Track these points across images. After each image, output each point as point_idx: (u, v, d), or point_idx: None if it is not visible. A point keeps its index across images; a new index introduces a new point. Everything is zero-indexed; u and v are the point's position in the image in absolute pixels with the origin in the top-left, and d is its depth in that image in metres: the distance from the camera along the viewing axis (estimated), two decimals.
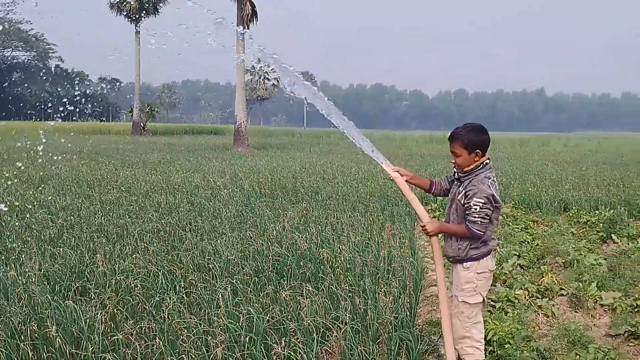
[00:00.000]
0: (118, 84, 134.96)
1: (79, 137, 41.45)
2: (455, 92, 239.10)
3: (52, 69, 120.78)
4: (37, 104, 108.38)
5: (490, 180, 3.66)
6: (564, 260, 7.22)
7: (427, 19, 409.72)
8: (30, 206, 8.68)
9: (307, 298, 4.70)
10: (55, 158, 16.97)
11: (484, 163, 3.73)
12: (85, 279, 5.22)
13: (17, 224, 7.45)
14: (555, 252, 7.58)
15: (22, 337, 3.88)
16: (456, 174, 3.85)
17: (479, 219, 3.59)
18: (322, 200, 10.57)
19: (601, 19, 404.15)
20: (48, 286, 4.99)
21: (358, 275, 5.60)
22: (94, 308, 4.33)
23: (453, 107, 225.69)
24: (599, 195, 11.81)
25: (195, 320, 4.18)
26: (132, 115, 52.81)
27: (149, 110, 54.73)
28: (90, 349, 3.66)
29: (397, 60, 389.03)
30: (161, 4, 51.70)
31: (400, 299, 5.05)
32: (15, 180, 12.24)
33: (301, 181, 13.32)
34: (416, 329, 4.67)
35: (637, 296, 5.76)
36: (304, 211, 9.25)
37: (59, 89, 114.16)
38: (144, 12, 50.49)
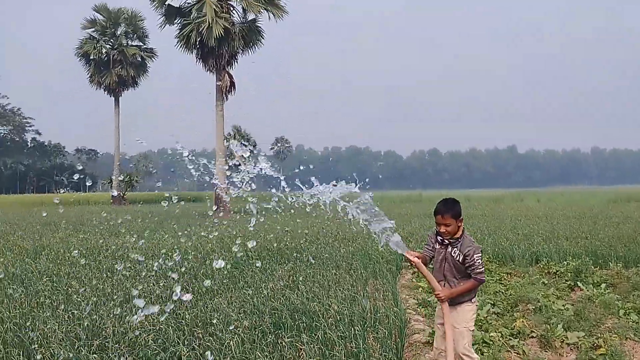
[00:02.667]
0: (95, 155, 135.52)
1: (59, 208, 41.61)
2: (429, 152, 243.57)
3: (29, 142, 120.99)
4: (14, 177, 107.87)
5: (472, 238, 4.74)
6: (534, 307, 7.89)
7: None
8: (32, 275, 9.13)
9: (304, 345, 5.28)
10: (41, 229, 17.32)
11: (463, 227, 4.75)
12: (103, 337, 5.73)
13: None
14: (526, 300, 8.23)
15: None
16: (443, 240, 4.76)
17: (482, 268, 4.63)
18: (307, 260, 11.16)
19: (567, 77, 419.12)
20: (69, 345, 5.48)
21: (348, 324, 6.19)
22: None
23: (427, 166, 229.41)
24: (567, 247, 12.60)
25: None
26: (111, 186, 53.14)
27: (128, 180, 55.13)
28: None
29: (369, 120, 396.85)
30: (140, 77, 52.96)
31: (387, 343, 5.64)
32: (8, 253, 12.65)
33: (285, 243, 13.91)
34: None
35: (599, 335, 6.43)
36: (292, 271, 9.83)
37: (37, 162, 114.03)
38: (123, 85, 51.70)
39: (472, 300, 4.75)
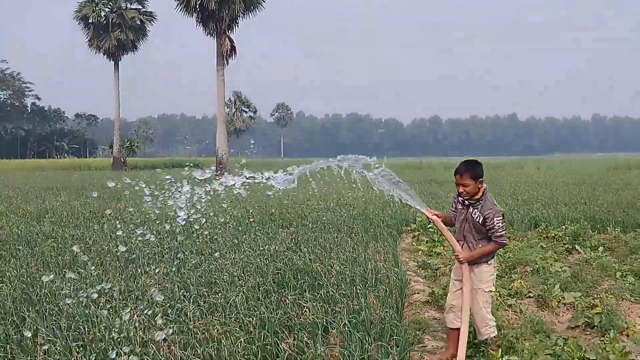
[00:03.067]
0: (95, 120, 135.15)
1: (60, 172, 41.78)
2: (430, 119, 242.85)
3: (29, 107, 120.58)
4: (14, 142, 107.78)
5: (494, 200, 4.73)
6: (532, 269, 8.02)
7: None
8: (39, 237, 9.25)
9: (307, 302, 5.41)
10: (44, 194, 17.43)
11: (485, 188, 4.74)
12: (109, 295, 5.85)
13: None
14: (524, 263, 8.36)
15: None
16: (464, 201, 4.79)
17: (503, 232, 4.63)
18: (309, 224, 11.29)
19: (570, 43, 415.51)
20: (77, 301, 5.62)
21: (349, 283, 6.32)
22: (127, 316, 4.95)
23: (428, 134, 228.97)
24: (566, 212, 12.72)
25: (214, 321, 4.85)
26: (111, 151, 53.11)
27: (129, 145, 55.11)
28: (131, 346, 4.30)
29: (370, 86, 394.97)
30: (140, 42, 52.54)
31: (388, 302, 5.77)
32: (12, 216, 12.77)
33: (287, 208, 14.03)
34: (403, 325, 5.38)
35: (595, 296, 6.56)
36: (294, 234, 9.95)
37: (37, 127, 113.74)
38: (123, 49, 51.30)
39: (490, 262, 4.76)
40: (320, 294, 5.81)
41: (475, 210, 4.69)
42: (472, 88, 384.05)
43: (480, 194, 4.70)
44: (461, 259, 4.62)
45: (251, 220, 11.82)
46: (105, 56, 51.73)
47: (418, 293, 6.94)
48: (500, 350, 4.51)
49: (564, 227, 11.02)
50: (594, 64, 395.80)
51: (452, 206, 5.01)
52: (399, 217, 12.70)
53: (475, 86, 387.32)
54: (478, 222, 4.67)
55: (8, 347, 4.44)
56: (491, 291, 4.81)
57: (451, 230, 4.90)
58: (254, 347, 4.32)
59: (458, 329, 4.78)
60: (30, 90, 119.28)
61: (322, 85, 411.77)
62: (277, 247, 8.50)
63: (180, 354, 4.07)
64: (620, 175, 28.72)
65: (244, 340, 4.39)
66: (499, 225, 4.58)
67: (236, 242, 9.18)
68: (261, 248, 8.45)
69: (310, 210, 13.85)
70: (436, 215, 4.85)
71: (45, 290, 5.93)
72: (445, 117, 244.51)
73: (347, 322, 4.86)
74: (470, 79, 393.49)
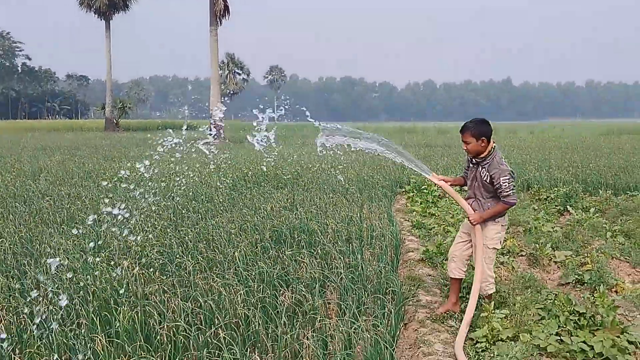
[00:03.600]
0: (86, 81, 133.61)
1: (52, 133, 41.53)
2: (424, 84, 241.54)
3: (19, 67, 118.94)
4: (5, 103, 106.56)
5: (503, 160, 4.72)
6: (524, 229, 8.15)
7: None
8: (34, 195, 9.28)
9: (305, 258, 5.51)
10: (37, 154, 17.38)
11: (493, 147, 4.73)
12: (108, 250, 5.94)
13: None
14: (517, 223, 8.48)
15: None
16: (473, 160, 4.84)
17: (510, 192, 4.61)
18: (304, 185, 11.36)
19: (566, 9, 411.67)
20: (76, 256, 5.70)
21: (345, 241, 6.43)
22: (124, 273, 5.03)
23: (422, 98, 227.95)
24: (558, 175, 12.84)
25: (214, 276, 4.94)
26: (104, 112, 52.66)
27: (121, 107, 54.64)
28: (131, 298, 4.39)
29: (365, 49, 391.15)
30: (131, 0, 51.64)
31: (383, 258, 5.88)
32: (7, 174, 12.77)
33: (282, 170, 14.08)
34: (399, 280, 5.50)
35: (586, 255, 6.69)
36: (289, 194, 10.03)
37: (28, 87, 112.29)
38: (114, 8, 50.43)
39: (497, 220, 4.78)
40: (317, 251, 5.92)
41: (483, 169, 4.74)
42: (467, 52, 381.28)
43: (486, 152, 4.73)
44: (473, 221, 4.71)
45: (246, 185, 11.87)
46: (96, 15, 50.82)
47: (412, 251, 7.05)
48: (493, 303, 4.63)
49: (556, 189, 11.15)
50: (589, 30, 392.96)
51: (465, 165, 5.09)
52: (393, 178, 12.80)
53: (469, 51, 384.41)
54: (486, 181, 4.72)
55: (11, 299, 4.52)
56: (495, 249, 4.86)
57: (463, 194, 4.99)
58: (253, 299, 4.42)
59: (459, 279, 4.98)
60: (20, 50, 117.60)
61: (316, 48, 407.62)
62: (272, 206, 8.57)
63: (181, 305, 4.16)
64: (613, 141, 28.83)
65: (244, 292, 4.48)
66: (505, 185, 4.60)
67: (232, 201, 9.26)
68: (257, 207, 8.53)
69: (305, 171, 13.91)
70: (443, 179, 4.94)
71: (45, 246, 6.00)
72: (439, 82, 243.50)
73: (344, 276, 4.96)
74: (465, 43, 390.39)
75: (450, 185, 5.01)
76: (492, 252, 4.83)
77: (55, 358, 3.36)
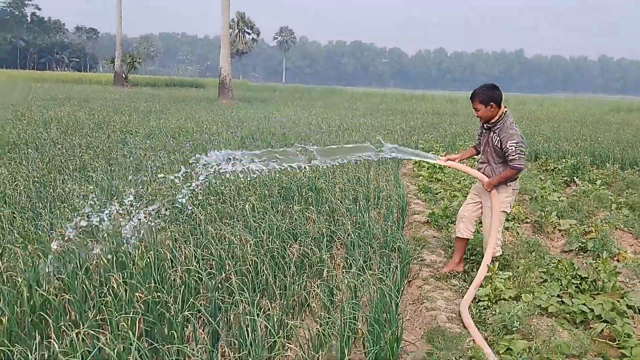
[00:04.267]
0: (95, 34, 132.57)
1: (61, 85, 41.46)
2: (435, 52, 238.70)
3: (28, 17, 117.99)
4: (14, 52, 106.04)
5: (514, 125, 4.75)
6: (530, 197, 8.22)
7: None
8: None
9: (313, 214, 5.60)
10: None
11: (504, 112, 4.77)
12: (121, 198, 6.03)
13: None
14: (523, 191, 8.54)
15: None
16: (485, 125, 4.91)
17: (517, 156, 4.64)
18: (312, 145, 11.41)
19: None
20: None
21: (353, 200, 6.51)
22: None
23: (432, 66, 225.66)
24: (567, 147, 12.86)
25: (226, 227, 5.04)
26: (113, 66, 52.34)
27: (130, 61, 54.25)
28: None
29: (376, 14, 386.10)
30: None
31: (390, 218, 5.97)
32: (18, 122, 12.85)
33: (289, 130, 14.12)
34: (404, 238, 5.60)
35: (590, 224, 6.77)
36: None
37: (37, 38, 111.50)
38: None
39: (508, 184, 4.83)
40: (325, 208, 6.01)
41: (494, 134, 4.80)
42: (479, 21, 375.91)
43: (496, 117, 4.77)
44: (487, 187, 4.79)
45: (254, 142, 11.93)
46: None
47: (418, 214, 7.14)
48: (497, 264, 4.73)
49: (563, 160, 11.18)
50: (604, 4, 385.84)
51: (478, 131, 5.16)
52: (400, 143, 12.82)
53: (482, 20, 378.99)
54: (497, 145, 4.77)
55: (26, 240, 4.62)
56: (505, 212, 4.91)
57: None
58: (262, 250, 4.52)
59: (465, 239, 5.08)
60: (29, 0, 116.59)
61: (327, 10, 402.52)
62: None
63: (193, 251, 4.26)
64: (622, 117, 28.66)
65: (253, 243, 4.58)
66: (512, 149, 4.64)
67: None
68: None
69: (312, 132, 13.95)
70: (449, 159, 5.07)
71: (59, 191, 6.10)
72: (450, 50, 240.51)
73: (351, 232, 5.06)
74: (477, 13, 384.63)
75: (460, 160, 5.13)
76: (501, 215, 4.89)
77: (70, 295, 3.46)
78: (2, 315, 2.95)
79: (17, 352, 2.71)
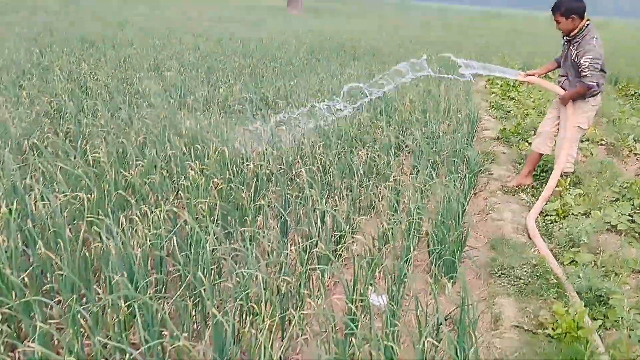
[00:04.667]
0: None
1: None
2: None
3: None
4: None
5: (594, 39, 4.45)
6: (607, 120, 7.91)
7: None
8: None
9: (382, 122, 5.60)
10: None
11: (586, 25, 4.50)
12: (192, 99, 6.19)
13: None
14: (600, 114, 8.19)
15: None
16: (565, 37, 4.67)
17: (589, 72, 4.44)
18: (381, 57, 11.22)
19: None
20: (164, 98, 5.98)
21: (422, 112, 6.44)
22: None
23: None
24: None
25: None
26: None
27: None
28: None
29: None
30: None
31: (460, 130, 5.90)
32: (91, 23, 13.12)
33: (359, 41, 13.87)
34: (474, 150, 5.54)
35: None
36: (367, 66, 9.95)
37: None
38: None
39: (586, 99, 4.64)
40: (395, 118, 5.98)
41: (573, 47, 4.58)
42: None
43: (576, 31, 4.54)
44: (562, 103, 4.67)
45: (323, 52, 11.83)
46: None
47: (488, 130, 7.02)
48: (569, 179, 4.65)
49: None
50: None
51: (562, 43, 4.91)
52: (473, 58, 12.42)
53: None
54: (574, 60, 4.57)
55: (107, 129, 4.82)
56: (581, 128, 4.73)
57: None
58: (331, 153, 4.58)
59: (540, 154, 5.01)
60: None
61: None
62: (350, 74, 8.58)
63: (264, 147, 4.38)
64: None
65: (322, 145, 4.65)
66: (586, 65, 4.43)
67: (310, 67, 9.30)
68: (333, 74, 8.56)
69: (382, 44, 13.69)
70: (529, 74, 4.92)
71: (137, 86, 6.30)
72: None
73: (419, 140, 5.04)
74: None
75: (539, 75, 4.98)
76: (576, 130, 4.73)
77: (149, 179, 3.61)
78: (89, 193, 3.13)
79: (103, 225, 2.86)
